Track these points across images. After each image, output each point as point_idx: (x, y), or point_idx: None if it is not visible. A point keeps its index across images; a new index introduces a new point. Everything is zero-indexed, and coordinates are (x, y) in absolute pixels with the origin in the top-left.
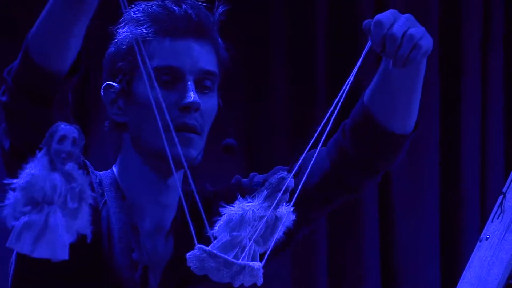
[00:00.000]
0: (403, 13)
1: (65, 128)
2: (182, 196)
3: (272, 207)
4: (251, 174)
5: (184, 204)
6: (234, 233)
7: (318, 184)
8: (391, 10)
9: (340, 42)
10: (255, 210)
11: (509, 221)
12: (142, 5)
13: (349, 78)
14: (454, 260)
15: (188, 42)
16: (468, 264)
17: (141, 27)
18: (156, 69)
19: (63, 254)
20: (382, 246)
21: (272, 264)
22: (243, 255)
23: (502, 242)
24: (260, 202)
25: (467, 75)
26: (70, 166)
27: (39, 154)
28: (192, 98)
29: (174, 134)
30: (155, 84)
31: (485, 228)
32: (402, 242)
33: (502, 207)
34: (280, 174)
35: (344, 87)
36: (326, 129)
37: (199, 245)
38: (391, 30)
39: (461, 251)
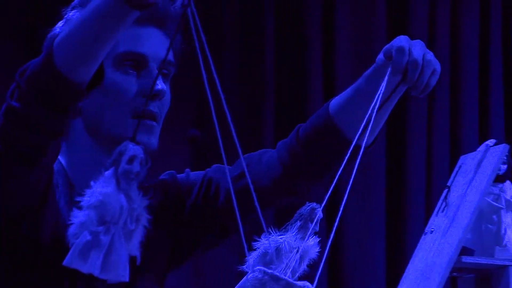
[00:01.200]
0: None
1: (134, 148)
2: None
3: (305, 238)
4: (186, 170)
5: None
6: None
7: (268, 187)
8: (404, 36)
9: (288, 45)
10: (290, 241)
11: (453, 215)
12: None
13: (373, 106)
14: (399, 253)
15: (151, 30)
16: (412, 257)
17: None
18: (120, 55)
19: (125, 276)
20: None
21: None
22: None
23: (446, 235)
24: (293, 233)
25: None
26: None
27: (107, 173)
28: (160, 86)
29: (148, 121)
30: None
31: (429, 222)
32: (349, 235)
33: (447, 200)
34: (311, 204)
35: (369, 115)
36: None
37: (260, 267)
38: (412, 56)
39: (406, 244)
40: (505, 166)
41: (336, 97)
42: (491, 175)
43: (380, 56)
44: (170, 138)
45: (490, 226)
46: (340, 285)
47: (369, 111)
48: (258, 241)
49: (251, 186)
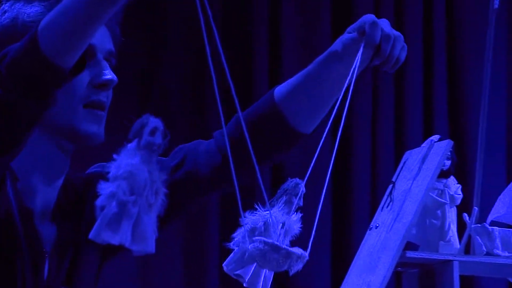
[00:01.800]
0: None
1: (155, 121)
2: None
3: (291, 213)
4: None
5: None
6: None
7: (208, 176)
8: (370, 14)
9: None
10: (277, 216)
11: (398, 210)
12: None
13: (348, 81)
14: (345, 248)
15: None
16: (358, 251)
17: (43, 2)
18: None
19: (152, 248)
20: None
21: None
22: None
23: (391, 230)
24: (279, 208)
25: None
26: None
27: (130, 146)
28: (110, 76)
29: (102, 113)
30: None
31: (375, 217)
32: None
33: (392, 196)
34: (294, 180)
35: (346, 91)
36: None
37: (260, 238)
38: (384, 30)
39: (352, 239)
40: (449, 162)
41: (281, 85)
42: (436, 171)
43: (345, 36)
44: (109, 128)
45: (434, 221)
46: (286, 278)
47: (344, 87)
48: (245, 217)
49: (233, 173)
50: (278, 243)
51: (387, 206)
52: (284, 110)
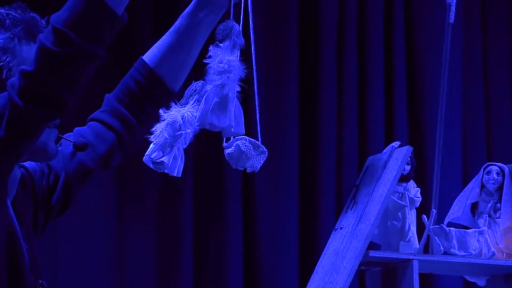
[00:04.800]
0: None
1: (237, 25)
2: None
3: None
4: None
5: None
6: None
7: (107, 151)
8: None
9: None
10: (192, 112)
11: (361, 212)
12: (0, 9)
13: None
14: (311, 248)
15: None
16: (324, 251)
17: (16, 29)
18: None
19: (243, 129)
20: (245, 236)
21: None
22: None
23: (355, 231)
24: (192, 105)
25: (324, 77)
26: None
27: (224, 45)
28: None
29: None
30: None
31: (339, 218)
32: (263, 233)
33: (355, 199)
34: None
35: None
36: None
37: (244, 137)
38: None
39: (318, 240)
40: (409, 167)
41: (149, 52)
42: (396, 175)
43: None
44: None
45: (395, 222)
46: (255, 278)
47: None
48: (165, 112)
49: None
50: (258, 142)
51: (351, 208)
52: (162, 73)
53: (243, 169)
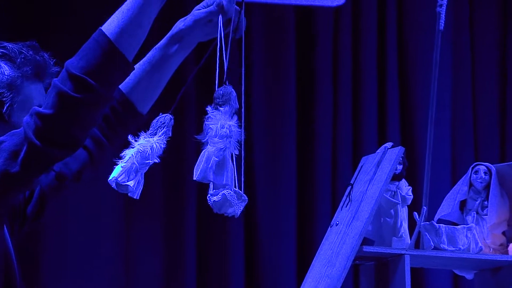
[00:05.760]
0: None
1: (233, 90)
2: None
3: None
4: None
5: None
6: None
7: (79, 169)
8: None
9: None
10: (159, 143)
11: (355, 209)
12: (14, 46)
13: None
14: (308, 243)
15: (43, 84)
16: (320, 246)
17: (25, 68)
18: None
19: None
20: (246, 234)
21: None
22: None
23: (349, 227)
24: (159, 136)
25: (320, 79)
26: None
27: (223, 111)
28: None
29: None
30: None
31: (335, 215)
32: (263, 231)
33: (350, 196)
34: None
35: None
36: None
37: (230, 186)
38: (235, 6)
39: (315, 235)
40: (401, 166)
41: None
42: (389, 174)
43: (198, 12)
44: None
45: (388, 219)
46: (255, 273)
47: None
48: (136, 141)
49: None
50: (241, 192)
51: (346, 206)
52: (133, 99)
53: (225, 214)
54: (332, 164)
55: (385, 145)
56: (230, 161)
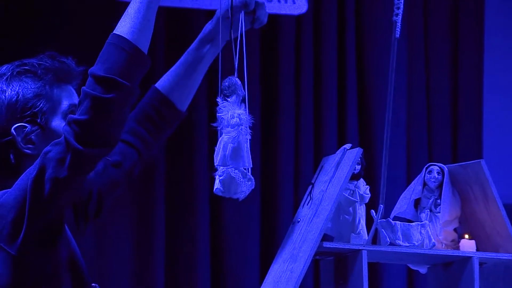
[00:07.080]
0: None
1: (238, 80)
2: None
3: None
4: None
5: None
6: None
7: (130, 167)
8: None
9: None
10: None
11: (316, 207)
12: (33, 60)
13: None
14: (271, 239)
15: (70, 86)
16: (282, 242)
17: (47, 76)
18: (67, 108)
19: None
20: (211, 228)
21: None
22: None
23: (310, 224)
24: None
25: (283, 82)
26: None
27: (231, 100)
28: None
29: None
30: None
31: (297, 213)
32: (229, 222)
33: (311, 195)
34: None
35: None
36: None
37: (231, 166)
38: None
39: (277, 232)
40: (359, 166)
41: (161, 80)
42: (348, 174)
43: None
44: None
45: (346, 216)
46: (220, 267)
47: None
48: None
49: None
50: (247, 172)
51: (308, 204)
52: (173, 98)
53: (236, 197)
54: (295, 164)
55: (344, 146)
56: (245, 145)
